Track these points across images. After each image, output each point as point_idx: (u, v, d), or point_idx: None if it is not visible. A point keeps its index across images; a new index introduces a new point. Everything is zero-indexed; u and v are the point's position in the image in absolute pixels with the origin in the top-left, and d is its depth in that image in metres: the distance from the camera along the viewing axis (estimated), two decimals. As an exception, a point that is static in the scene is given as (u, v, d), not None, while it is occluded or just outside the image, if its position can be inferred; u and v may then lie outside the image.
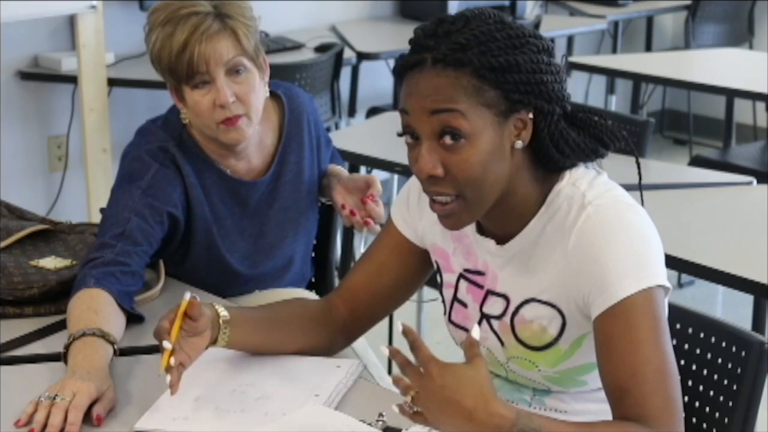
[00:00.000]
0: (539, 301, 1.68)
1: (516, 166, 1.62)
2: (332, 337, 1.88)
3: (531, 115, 1.60)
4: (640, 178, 1.72)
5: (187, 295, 1.66)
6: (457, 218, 1.63)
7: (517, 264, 1.70)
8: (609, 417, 1.58)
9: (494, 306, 1.74)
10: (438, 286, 1.85)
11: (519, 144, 1.60)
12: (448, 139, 1.56)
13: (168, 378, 1.62)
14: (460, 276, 1.79)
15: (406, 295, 1.91)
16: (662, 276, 1.59)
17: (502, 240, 1.70)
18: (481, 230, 1.74)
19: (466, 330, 1.78)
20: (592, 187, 1.64)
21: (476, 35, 1.55)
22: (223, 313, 1.74)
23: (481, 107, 1.56)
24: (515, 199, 1.65)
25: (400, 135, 1.62)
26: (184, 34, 2.06)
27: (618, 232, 1.59)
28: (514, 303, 1.71)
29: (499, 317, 1.73)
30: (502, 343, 1.74)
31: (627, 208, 1.62)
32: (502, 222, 1.69)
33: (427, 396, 1.39)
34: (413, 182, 1.83)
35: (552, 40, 5.65)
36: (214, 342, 1.73)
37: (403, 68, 1.59)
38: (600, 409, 1.63)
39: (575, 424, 1.54)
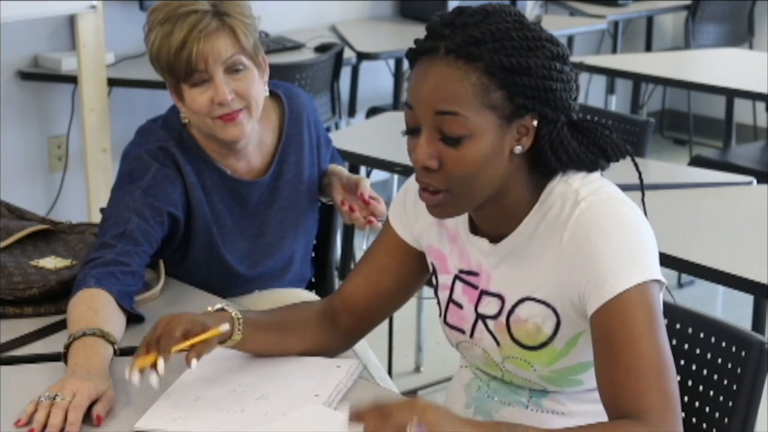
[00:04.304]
0: (534, 299, 1.68)
1: (513, 169, 1.62)
2: (334, 340, 1.89)
3: (535, 122, 1.60)
4: (643, 193, 1.72)
5: (224, 327, 1.70)
6: (444, 209, 1.64)
7: (511, 263, 1.69)
8: (606, 418, 1.58)
9: (489, 306, 1.74)
10: (434, 287, 1.86)
11: (518, 149, 1.60)
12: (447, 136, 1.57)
13: (148, 378, 1.65)
14: (456, 277, 1.79)
15: (405, 297, 1.91)
16: (657, 270, 1.60)
17: (495, 239, 1.70)
18: (474, 230, 1.74)
19: (462, 331, 1.79)
20: (585, 184, 1.64)
21: (492, 31, 1.56)
22: (238, 315, 1.76)
23: (485, 108, 1.56)
24: (509, 200, 1.65)
25: (404, 134, 1.62)
26: (183, 32, 2.06)
27: (612, 227, 1.59)
28: (510, 302, 1.71)
29: (494, 317, 1.73)
30: (498, 343, 1.74)
31: (620, 203, 1.63)
32: (495, 221, 1.69)
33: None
34: (410, 184, 1.83)
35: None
36: (223, 341, 1.75)
37: (416, 53, 1.59)
38: (597, 410, 1.63)
39: (564, 430, 1.54)
